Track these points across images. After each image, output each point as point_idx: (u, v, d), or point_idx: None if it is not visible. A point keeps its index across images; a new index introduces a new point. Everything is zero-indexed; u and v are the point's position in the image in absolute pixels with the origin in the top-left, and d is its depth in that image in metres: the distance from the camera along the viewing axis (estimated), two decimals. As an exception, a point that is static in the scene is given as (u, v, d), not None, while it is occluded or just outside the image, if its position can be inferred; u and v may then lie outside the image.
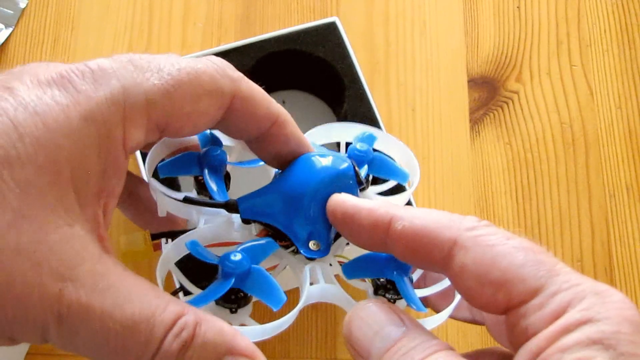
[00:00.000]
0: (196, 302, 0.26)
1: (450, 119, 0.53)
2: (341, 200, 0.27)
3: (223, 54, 0.46)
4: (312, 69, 0.47)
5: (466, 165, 0.52)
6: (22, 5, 0.55)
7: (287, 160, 0.30)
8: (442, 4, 0.56)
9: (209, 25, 0.55)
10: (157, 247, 0.31)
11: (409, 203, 0.43)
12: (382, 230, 0.25)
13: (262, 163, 0.31)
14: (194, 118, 0.26)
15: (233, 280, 0.27)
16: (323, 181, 0.28)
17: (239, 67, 0.29)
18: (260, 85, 0.33)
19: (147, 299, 0.23)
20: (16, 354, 0.45)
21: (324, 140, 0.34)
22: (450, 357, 0.22)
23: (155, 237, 0.31)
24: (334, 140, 0.34)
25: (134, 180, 0.31)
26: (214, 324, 0.24)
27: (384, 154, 0.34)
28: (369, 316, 0.25)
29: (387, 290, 0.29)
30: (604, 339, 0.20)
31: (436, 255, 0.24)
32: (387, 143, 0.34)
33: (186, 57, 0.27)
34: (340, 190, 0.28)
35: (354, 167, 0.29)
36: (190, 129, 0.27)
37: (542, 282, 0.22)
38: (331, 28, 0.47)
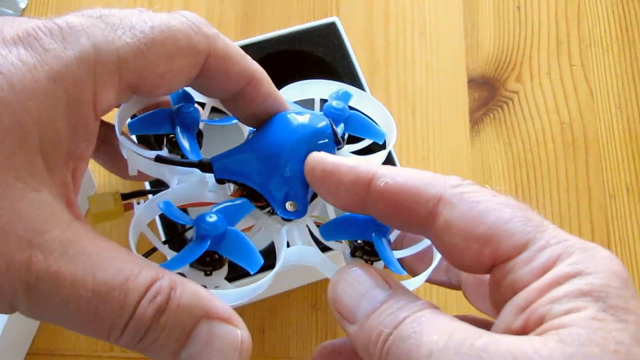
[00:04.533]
0: (171, 266, 0.26)
1: (450, 119, 0.53)
2: (320, 157, 0.26)
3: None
4: (312, 69, 0.47)
5: (466, 166, 0.52)
6: (22, 5, 0.55)
7: (262, 119, 0.29)
8: (442, 4, 0.56)
9: (209, 25, 0.55)
10: (128, 207, 0.30)
11: (392, 163, 0.43)
12: (363, 188, 0.25)
13: (235, 121, 0.30)
14: (167, 78, 0.25)
15: (208, 242, 0.26)
16: (300, 140, 0.28)
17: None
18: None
19: (120, 264, 0.22)
20: (16, 354, 0.45)
21: (298, 96, 0.33)
22: (435, 314, 0.22)
23: (126, 197, 0.30)
24: (309, 96, 0.33)
25: (106, 127, 0.29)
26: (189, 287, 0.23)
27: (360, 112, 0.33)
28: (354, 279, 0.24)
29: (365, 251, 0.29)
30: (593, 291, 0.20)
31: (420, 213, 0.23)
32: (363, 101, 0.33)
33: (161, 14, 0.26)
34: (317, 149, 0.28)
35: (331, 125, 0.29)
36: (163, 89, 0.26)
37: (530, 236, 0.22)
38: (331, 28, 0.47)
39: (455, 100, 0.54)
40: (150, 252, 0.30)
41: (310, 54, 0.47)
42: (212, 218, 0.26)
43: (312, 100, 0.33)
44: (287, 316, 0.47)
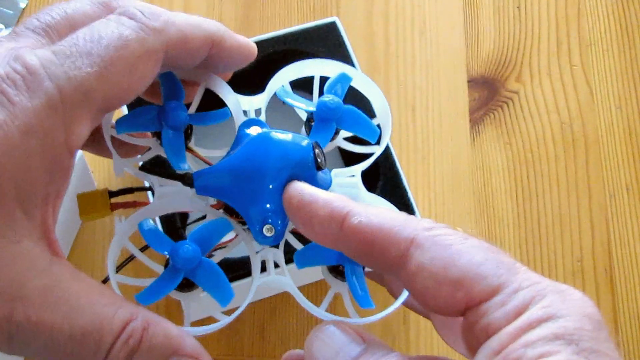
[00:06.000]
0: (144, 299, 0.27)
1: (450, 119, 0.53)
2: (299, 188, 0.27)
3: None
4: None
5: (466, 165, 0.52)
6: (22, 5, 0.55)
7: (239, 64, 0.30)
8: (442, 4, 0.56)
9: (209, 25, 0.55)
10: (115, 207, 0.31)
11: (391, 161, 0.43)
12: (337, 223, 0.25)
13: (222, 120, 0.31)
14: (133, 87, 0.26)
15: (182, 275, 0.27)
16: (281, 165, 0.28)
17: (239, 67, 0.30)
18: (261, 86, 0.33)
19: (96, 308, 0.24)
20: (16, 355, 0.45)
21: (297, 75, 0.33)
22: None
23: (113, 194, 0.31)
24: (307, 74, 0.33)
25: None
26: (161, 327, 0.25)
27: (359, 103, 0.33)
28: (329, 337, 0.25)
29: (339, 272, 0.29)
30: (566, 335, 0.20)
31: (391, 254, 0.24)
32: (362, 85, 0.33)
33: (109, 24, 0.26)
34: (297, 172, 0.28)
35: (313, 149, 0.28)
36: (132, 96, 0.26)
37: (503, 279, 0.22)
38: (331, 28, 0.47)
39: (455, 100, 0.54)
40: (128, 261, 0.31)
41: (311, 54, 0.47)
42: (187, 251, 0.27)
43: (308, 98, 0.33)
44: (287, 316, 0.47)
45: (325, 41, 0.47)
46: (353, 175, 0.32)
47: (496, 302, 0.22)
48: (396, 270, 0.24)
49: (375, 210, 0.25)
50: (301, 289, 0.30)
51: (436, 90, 0.54)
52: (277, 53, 0.47)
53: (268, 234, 0.28)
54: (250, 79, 0.40)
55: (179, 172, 0.29)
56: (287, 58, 0.48)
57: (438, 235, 0.23)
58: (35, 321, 0.22)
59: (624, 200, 0.51)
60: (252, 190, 0.28)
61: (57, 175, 0.24)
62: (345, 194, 0.28)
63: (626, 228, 0.50)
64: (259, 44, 0.47)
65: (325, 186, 0.29)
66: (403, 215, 0.24)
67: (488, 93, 0.54)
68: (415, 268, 0.23)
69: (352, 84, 0.33)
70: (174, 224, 0.41)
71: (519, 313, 0.21)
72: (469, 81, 0.54)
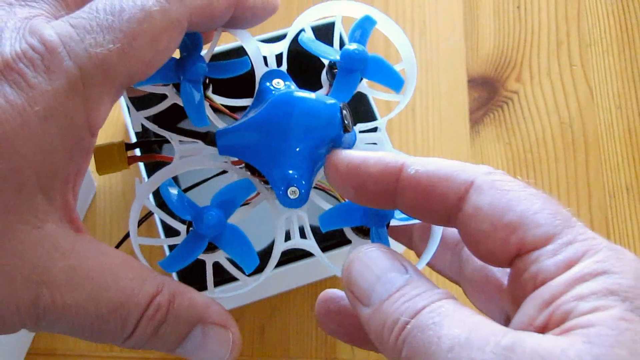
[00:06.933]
0: (169, 267, 0.27)
1: (450, 119, 0.53)
2: (345, 153, 0.26)
3: (223, 54, 0.46)
4: (312, 69, 0.47)
5: (466, 165, 0.52)
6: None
7: (261, 19, 0.29)
8: (442, 4, 0.56)
9: (209, 25, 0.55)
10: (132, 161, 0.30)
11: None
12: (392, 178, 0.24)
13: (243, 70, 0.30)
14: (156, 60, 0.25)
15: (207, 242, 0.27)
16: (306, 126, 0.27)
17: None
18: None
19: (121, 283, 0.24)
20: (16, 354, 0.45)
21: (319, 15, 0.32)
22: (455, 305, 0.21)
23: (130, 147, 0.30)
24: (329, 15, 0.32)
25: None
26: (186, 297, 0.25)
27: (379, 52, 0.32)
28: (371, 260, 0.23)
29: (364, 232, 0.28)
30: (620, 291, 0.20)
31: (450, 199, 0.23)
32: (388, 29, 0.32)
33: None
34: (324, 135, 0.27)
35: (341, 111, 0.28)
36: (154, 69, 0.25)
37: (558, 230, 0.21)
38: (331, 28, 0.47)
39: (455, 100, 0.54)
40: (144, 219, 0.31)
41: (311, 54, 0.47)
42: (212, 218, 0.27)
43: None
44: (287, 316, 0.46)
45: (325, 41, 0.47)
46: (376, 128, 0.31)
47: (548, 251, 0.21)
48: (453, 216, 0.23)
49: (429, 159, 0.24)
50: (302, 288, 0.29)
51: (436, 90, 0.54)
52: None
53: (292, 197, 0.27)
54: (250, 81, 0.40)
55: (199, 129, 0.28)
56: (287, 58, 0.48)
57: (497, 180, 0.23)
58: (61, 303, 0.23)
59: (624, 200, 0.51)
60: (276, 152, 0.27)
61: (77, 156, 0.24)
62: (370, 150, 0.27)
63: (626, 228, 0.50)
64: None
65: (351, 144, 0.28)
66: (459, 162, 0.24)
67: (488, 93, 0.54)
68: (473, 211, 0.23)
69: (377, 27, 0.32)
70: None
71: (570, 264, 0.21)
72: (469, 81, 0.54)
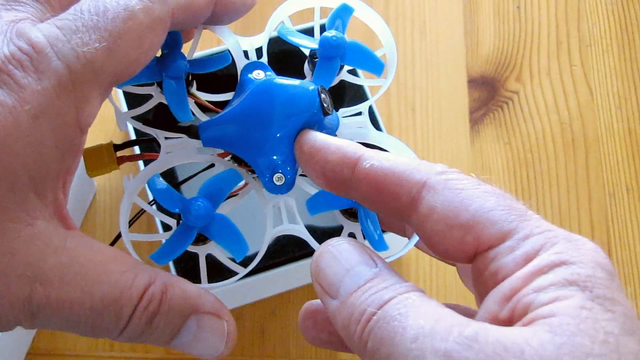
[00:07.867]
0: (160, 259, 0.27)
1: (450, 119, 0.53)
2: (310, 135, 0.26)
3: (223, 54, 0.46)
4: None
5: (466, 166, 0.52)
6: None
7: (242, 14, 0.29)
8: (442, 4, 0.56)
9: (209, 25, 0.55)
10: (121, 161, 0.30)
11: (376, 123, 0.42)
12: (348, 168, 0.24)
13: (225, 64, 0.30)
14: (141, 58, 0.25)
15: (196, 232, 0.27)
16: (286, 111, 0.27)
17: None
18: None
19: (113, 277, 0.24)
20: (16, 354, 0.45)
21: (297, 7, 0.32)
22: (422, 297, 0.21)
23: (118, 148, 0.30)
24: (307, 6, 0.32)
25: None
26: (179, 288, 0.25)
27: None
28: (340, 253, 0.24)
29: (351, 214, 0.29)
30: (579, 281, 0.20)
31: (403, 198, 0.23)
32: (366, 16, 0.32)
33: None
34: (304, 119, 0.27)
35: (319, 95, 0.28)
36: (140, 67, 0.26)
37: (514, 225, 0.22)
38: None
39: (455, 100, 0.54)
40: (137, 216, 0.31)
41: (311, 54, 0.47)
42: (199, 208, 0.27)
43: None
44: (287, 316, 0.47)
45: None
46: (360, 113, 0.31)
47: (505, 248, 0.21)
48: (407, 215, 0.23)
49: (387, 155, 0.24)
50: (302, 288, 0.29)
51: (436, 90, 0.54)
52: (277, 53, 0.47)
53: (278, 183, 0.28)
54: (235, 77, 0.40)
55: (183, 123, 0.29)
56: (286, 58, 0.48)
57: (450, 179, 0.23)
58: (55, 299, 0.23)
59: (624, 200, 0.51)
60: (259, 140, 0.27)
61: (68, 154, 0.24)
62: (353, 134, 0.27)
63: (626, 228, 0.50)
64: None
65: (333, 128, 0.29)
66: (416, 160, 0.24)
67: (488, 93, 0.54)
68: (427, 211, 0.23)
69: (356, 14, 0.32)
70: (174, 182, 0.40)
71: (529, 258, 0.21)
72: (469, 81, 0.54)
